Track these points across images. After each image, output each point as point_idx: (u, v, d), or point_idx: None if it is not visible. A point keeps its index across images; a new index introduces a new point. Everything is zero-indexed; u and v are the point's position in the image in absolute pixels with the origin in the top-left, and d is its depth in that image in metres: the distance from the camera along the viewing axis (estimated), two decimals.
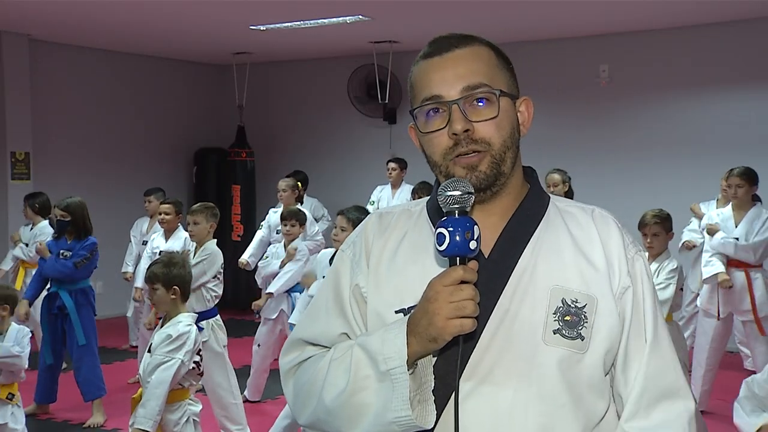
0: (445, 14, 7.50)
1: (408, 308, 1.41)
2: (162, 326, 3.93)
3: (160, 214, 6.40)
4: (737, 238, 5.76)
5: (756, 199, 5.91)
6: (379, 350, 1.36)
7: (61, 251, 5.79)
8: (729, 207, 5.95)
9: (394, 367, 1.34)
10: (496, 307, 1.41)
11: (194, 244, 5.36)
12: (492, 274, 1.42)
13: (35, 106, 8.67)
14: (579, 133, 8.34)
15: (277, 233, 6.16)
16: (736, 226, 5.80)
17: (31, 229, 7.11)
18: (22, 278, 6.98)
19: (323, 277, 4.94)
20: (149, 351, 3.85)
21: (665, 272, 4.88)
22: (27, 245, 7.09)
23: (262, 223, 7.07)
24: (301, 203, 8.11)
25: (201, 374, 4.03)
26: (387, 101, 9.32)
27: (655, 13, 7.52)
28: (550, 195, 1.56)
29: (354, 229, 5.47)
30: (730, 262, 5.85)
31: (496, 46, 1.51)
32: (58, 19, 7.82)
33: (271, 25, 8.05)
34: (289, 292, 6.02)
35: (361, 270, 1.52)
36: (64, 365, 6.01)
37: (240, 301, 9.68)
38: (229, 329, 5.51)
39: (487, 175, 1.43)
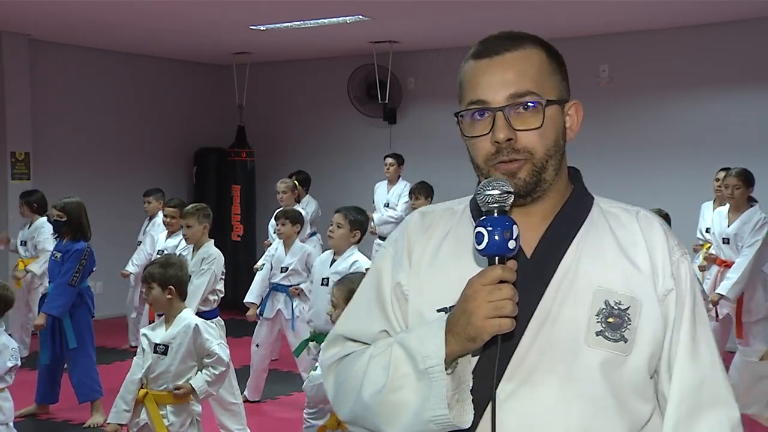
0: (445, 14, 7.50)
1: (449, 307, 1.39)
2: (168, 328, 3.92)
3: (166, 216, 6.40)
4: (728, 239, 5.81)
5: (752, 201, 5.92)
6: (418, 348, 1.36)
7: (54, 253, 5.80)
8: (727, 206, 5.97)
9: (432, 366, 1.34)
10: (537, 308, 1.40)
11: (191, 246, 5.35)
12: (534, 275, 1.41)
13: (35, 106, 8.67)
14: (579, 132, 8.32)
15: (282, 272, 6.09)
16: (729, 226, 5.82)
17: (29, 227, 7.11)
18: (21, 272, 6.98)
19: (324, 278, 4.96)
20: (157, 351, 3.86)
21: None
22: (25, 243, 7.09)
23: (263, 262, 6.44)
24: (299, 202, 8.10)
25: None
26: (387, 101, 9.32)
27: (655, 13, 7.51)
28: (595, 196, 1.54)
29: (350, 226, 5.40)
30: (725, 263, 5.87)
31: (550, 46, 1.49)
32: (58, 19, 7.82)
33: (271, 25, 8.05)
34: (287, 292, 6.01)
35: (402, 268, 1.51)
36: (65, 365, 6.00)
37: (240, 301, 9.66)
38: (229, 329, 5.52)
39: (526, 182, 1.42)
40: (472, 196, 1.54)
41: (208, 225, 5.29)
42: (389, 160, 8.52)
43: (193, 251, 5.28)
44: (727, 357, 6.23)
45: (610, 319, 1.39)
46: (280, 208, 6.71)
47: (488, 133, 1.42)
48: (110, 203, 9.27)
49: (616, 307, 1.40)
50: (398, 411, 1.38)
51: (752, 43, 7.79)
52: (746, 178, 5.82)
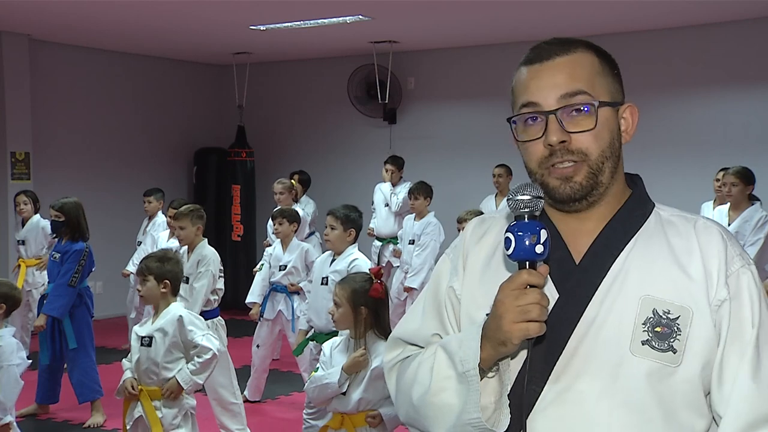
0: (445, 14, 7.50)
1: (488, 314, 1.41)
2: (155, 322, 3.94)
3: (170, 218, 6.42)
4: None
5: (753, 199, 5.91)
6: (457, 352, 1.39)
7: (53, 253, 5.81)
8: (727, 205, 5.96)
9: (468, 369, 1.36)
10: (584, 314, 1.39)
11: (185, 248, 5.35)
12: (581, 281, 1.40)
13: (35, 106, 8.67)
14: None
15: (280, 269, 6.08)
16: (729, 224, 5.80)
17: (23, 226, 7.09)
18: (23, 277, 6.97)
19: (323, 278, 4.95)
20: (143, 344, 3.87)
21: None
22: (24, 242, 7.08)
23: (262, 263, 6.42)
24: (297, 201, 8.08)
25: None
26: (387, 101, 9.32)
27: (655, 13, 7.51)
28: (656, 204, 1.51)
29: (343, 226, 5.39)
30: None
31: (602, 50, 1.48)
32: (58, 19, 7.82)
33: (271, 25, 8.05)
34: (287, 291, 6.01)
35: (457, 273, 1.55)
36: (65, 365, 6.00)
37: (240, 301, 9.66)
38: (229, 329, 5.52)
39: (582, 185, 1.41)
40: None
41: (202, 226, 5.28)
42: (388, 165, 8.49)
43: (188, 253, 5.27)
44: None
45: (658, 329, 1.36)
46: (277, 208, 6.71)
47: (541, 136, 1.41)
48: (110, 203, 9.27)
49: (664, 316, 1.37)
50: (442, 413, 1.41)
51: (752, 43, 7.79)
52: (744, 176, 5.81)
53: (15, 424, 4.17)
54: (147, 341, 3.88)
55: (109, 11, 7.45)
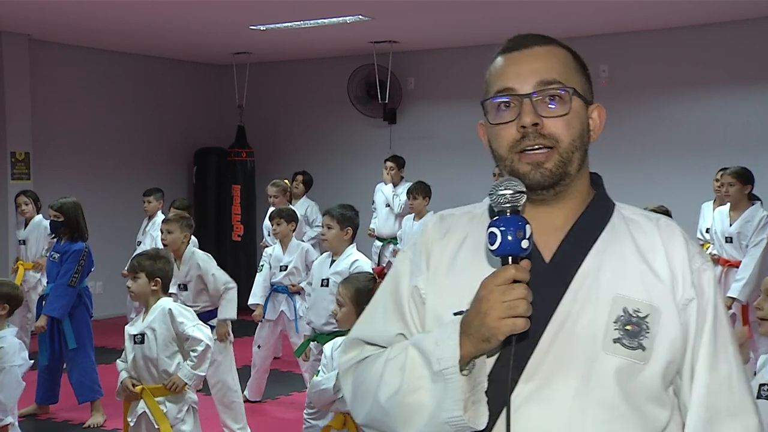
0: (445, 14, 7.50)
1: (467, 310, 1.40)
2: (145, 319, 3.95)
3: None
4: (731, 238, 5.78)
5: (753, 199, 5.90)
6: (433, 350, 1.36)
7: (52, 253, 5.81)
8: (728, 205, 5.96)
9: (446, 368, 1.34)
10: (556, 312, 1.40)
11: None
12: (554, 278, 1.41)
13: (35, 106, 8.67)
14: None
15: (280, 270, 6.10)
16: (731, 225, 5.81)
17: (26, 226, 7.08)
18: (21, 277, 6.97)
19: (323, 279, 4.95)
20: (136, 342, 3.88)
21: None
22: (25, 243, 7.08)
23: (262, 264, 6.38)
24: (291, 202, 8.06)
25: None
26: (387, 101, 9.32)
27: (655, 13, 7.52)
28: (616, 202, 1.54)
29: (339, 225, 5.36)
30: (728, 262, 5.86)
31: (575, 52, 1.51)
32: (58, 19, 7.82)
33: (271, 25, 8.05)
34: (289, 293, 6.02)
35: (420, 271, 1.52)
36: (65, 365, 6.00)
37: (240, 301, 9.65)
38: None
39: (552, 173, 1.42)
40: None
41: (189, 235, 5.30)
42: (389, 164, 8.50)
43: (176, 260, 5.14)
44: None
45: (628, 327, 1.39)
46: (274, 209, 6.71)
47: (514, 119, 1.42)
48: (110, 203, 9.28)
49: (634, 315, 1.39)
50: (414, 413, 1.39)
51: (752, 43, 7.79)
52: (741, 176, 5.80)
53: (17, 424, 4.18)
54: (140, 338, 3.90)
55: (109, 11, 7.45)
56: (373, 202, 8.61)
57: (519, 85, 1.42)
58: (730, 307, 5.72)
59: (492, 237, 1.32)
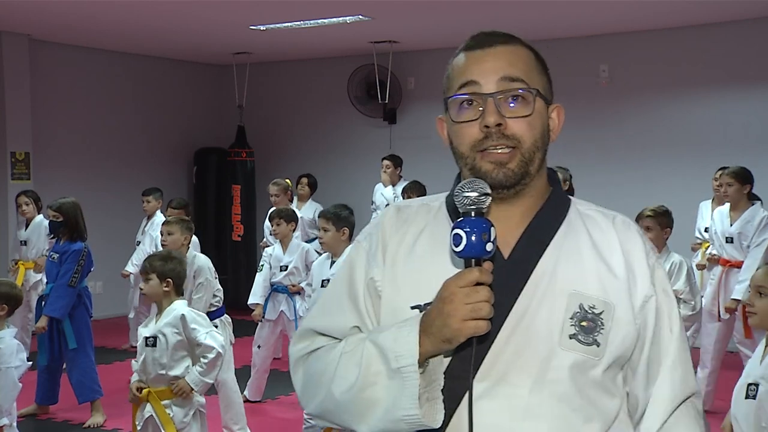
0: (445, 14, 7.50)
1: (424, 305, 1.40)
2: (158, 321, 3.94)
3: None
4: (732, 238, 5.77)
5: (753, 198, 5.89)
6: (391, 347, 1.36)
7: (51, 254, 5.80)
8: (727, 205, 5.94)
9: (405, 365, 1.34)
10: (513, 309, 1.41)
11: None
12: (511, 275, 1.42)
13: (35, 106, 8.67)
14: (579, 133, 8.34)
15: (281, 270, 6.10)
16: (731, 225, 5.80)
17: (27, 227, 7.07)
18: (22, 277, 6.97)
19: (323, 280, 4.94)
20: (147, 345, 3.87)
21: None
22: (26, 243, 7.07)
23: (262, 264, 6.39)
24: (291, 201, 8.06)
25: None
26: (387, 101, 9.32)
27: (655, 13, 7.52)
28: (572, 198, 1.55)
29: (335, 226, 5.32)
30: (729, 263, 5.85)
31: (537, 52, 1.51)
32: (58, 19, 7.82)
33: (271, 25, 8.05)
34: (289, 293, 6.01)
35: (376, 263, 1.51)
36: (64, 366, 6.00)
37: (240, 300, 9.66)
38: None
39: (514, 172, 1.42)
40: (447, 192, 1.54)
41: (189, 237, 5.29)
42: (386, 162, 8.50)
43: None
44: (727, 357, 6.25)
45: (584, 323, 1.40)
46: (274, 208, 6.71)
47: (477, 118, 1.42)
48: (110, 203, 9.28)
49: (590, 311, 1.41)
50: (369, 408, 1.39)
51: (752, 43, 7.79)
52: (740, 176, 5.78)
53: (15, 425, 4.17)
54: (151, 341, 3.88)
55: (109, 11, 7.45)
56: (373, 202, 8.61)
57: (483, 80, 1.42)
58: (735, 310, 5.71)
59: (457, 239, 1.31)
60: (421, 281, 1.44)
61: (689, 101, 8.17)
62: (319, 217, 4.94)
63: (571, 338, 1.40)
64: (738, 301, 5.62)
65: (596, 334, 1.40)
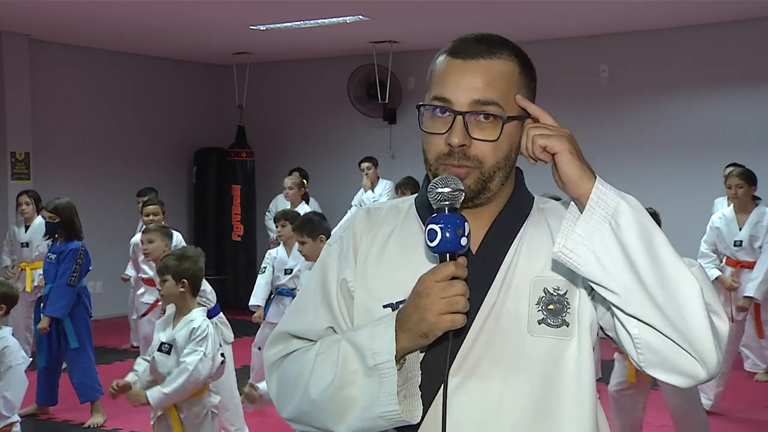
0: (445, 14, 7.50)
1: (396, 303, 1.41)
2: (175, 326, 3.89)
3: (148, 215, 6.41)
4: (741, 241, 5.75)
5: (756, 199, 5.89)
6: (368, 345, 1.37)
7: (48, 255, 5.80)
8: (731, 208, 5.92)
9: (382, 362, 1.35)
10: (483, 303, 1.43)
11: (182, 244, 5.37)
12: (479, 270, 1.43)
13: (35, 106, 8.67)
14: (579, 133, 8.25)
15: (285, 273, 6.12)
16: (740, 229, 5.78)
17: (27, 228, 7.05)
18: (31, 279, 6.93)
19: (287, 269, 4.95)
20: (162, 350, 3.83)
21: None
22: (27, 245, 7.06)
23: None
24: (308, 202, 8.04)
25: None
26: (387, 101, 9.33)
27: (655, 13, 7.52)
28: (535, 196, 1.57)
29: (310, 237, 5.25)
30: (739, 263, 5.82)
31: (526, 57, 1.49)
32: (58, 19, 7.82)
33: (271, 25, 8.05)
34: (293, 295, 5.99)
35: (348, 265, 1.52)
36: (63, 365, 5.99)
37: (240, 301, 9.67)
38: None
39: (470, 189, 1.43)
40: (416, 195, 1.58)
41: (170, 244, 5.30)
42: (365, 164, 8.53)
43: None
44: (736, 357, 6.26)
45: (551, 306, 1.43)
46: (279, 210, 6.69)
47: (445, 133, 1.43)
48: (110, 203, 9.28)
49: (555, 294, 1.43)
50: (347, 407, 1.39)
51: (752, 43, 7.79)
52: (749, 177, 5.79)
53: (18, 424, 4.18)
54: (167, 348, 3.80)
55: (109, 11, 7.45)
56: (352, 206, 8.60)
57: (456, 98, 1.42)
58: (747, 308, 5.70)
59: (432, 234, 1.32)
60: (392, 281, 1.46)
61: (689, 101, 8.17)
62: (293, 231, 4.93)
63: (540, 323, 1.42)
64: (751, 298, 5.61)
65: (564, 314, 1.42)
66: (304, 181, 7.96)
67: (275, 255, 6.10)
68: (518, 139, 1.47)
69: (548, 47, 8.48)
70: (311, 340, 1.53)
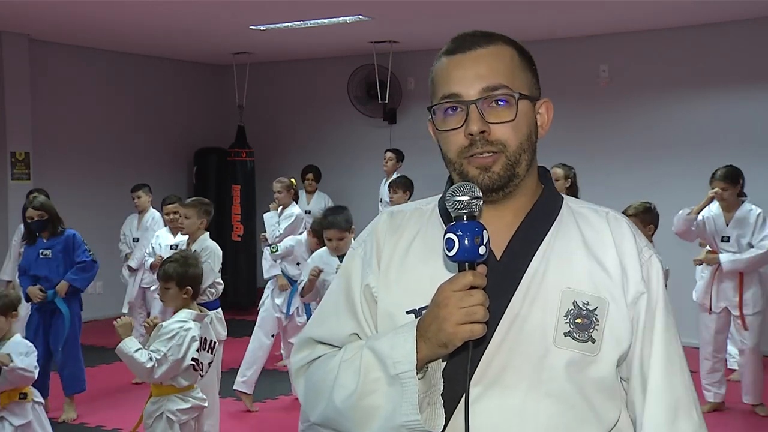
0: (445, 14, 7.50)
1: (419, 309, 1.40)
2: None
3: (168, 214, 6.45)
4: (728, 237, 5.76)
5: (741, 196, 5.87)
6: (389, 354, 1.36)
7: (41, 251, 5.70)
8: (717, 205, 5.91)
9: (403, 371, 1.34)
10: (506, 309, 1.40)
11: (185, 238, 5.36)
12: (503, 277, 1.41)
13: (35, 106, 8.67)
14: (579, 133, 8.34)
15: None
16: (727, 225, 5.78)
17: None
18: None
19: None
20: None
21: None
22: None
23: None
24: (297, 202, 8.07)
25: (201, 375, 4.01)
26: (387, 101, 9.33)
27: (655, 13, 7.52)
28: (564, 196, 1.55)
29: (317, 239, 5.14)
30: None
31: (521, 46, 1.50)
32: (58, 19, 7.82)
33: (271, 25, 8.05)
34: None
35: (371, 270, 1.51)
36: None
37: (240, 301, 9.69)
38: (228, 329, 5.49)
39: (500, 176, 1.42)
40: (440, 195, 1.55)
41: (206, 221, 5.28)
42: (389, 154, 8.56)
43: (188, 244, 5.24)
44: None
45: (579, 320, 1.40)
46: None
47: (461, 126, 1.42)
48: (110, 203, 9.27)
49: (584, 308, 1.41)
50: (370, 415, 1.39)
51: (752, 43, 7.79)
52: (731, 179, 5.77)
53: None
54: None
55: (109, 11, 7.45)
56: (382, 199, 8.62)
57: (464, 90, 1.42)
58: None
59: (449, 243, 1.31)
60: (416, 285, 1.44)
61: (689, 101, 8.17)
62: (328, 229, 4.82)
63: (566, 336, 1.39)
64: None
65: (591, 330, 1.40)
66: (292, 181, 7.97)
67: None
68: (534, 119, 1.47)
69: (548, 47, 8.48)
70: (336, 346, 1.52)
